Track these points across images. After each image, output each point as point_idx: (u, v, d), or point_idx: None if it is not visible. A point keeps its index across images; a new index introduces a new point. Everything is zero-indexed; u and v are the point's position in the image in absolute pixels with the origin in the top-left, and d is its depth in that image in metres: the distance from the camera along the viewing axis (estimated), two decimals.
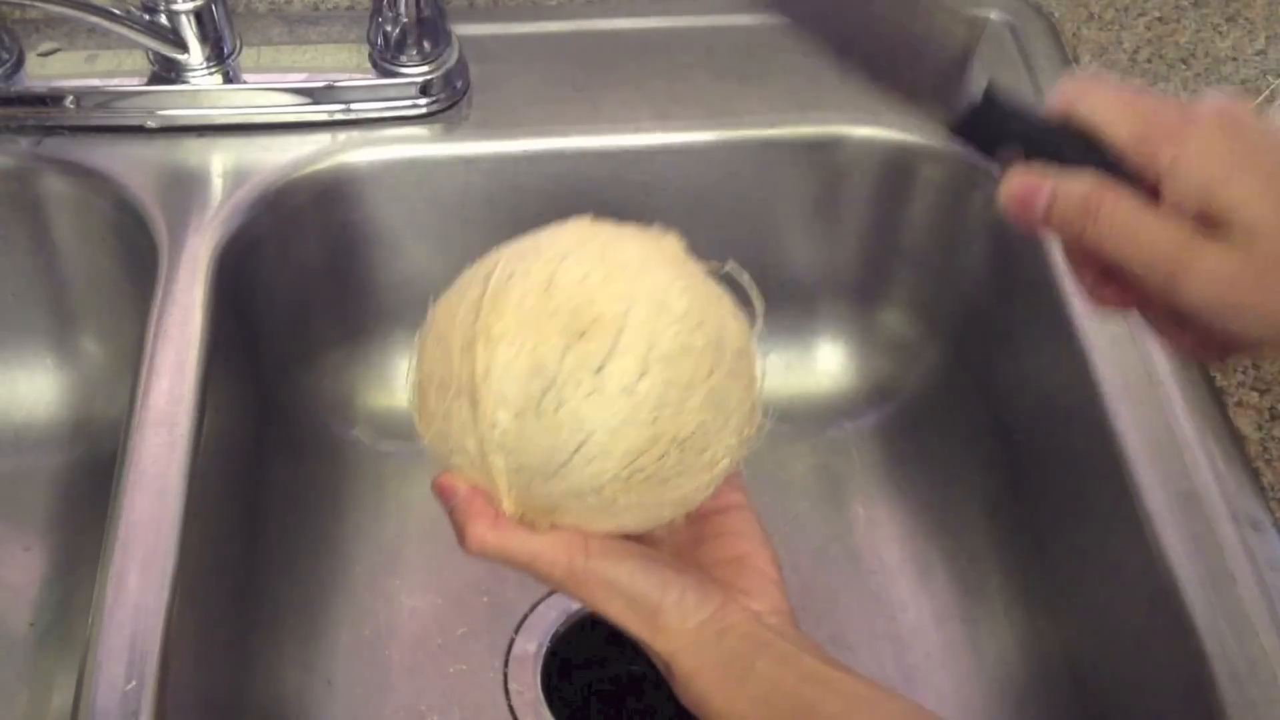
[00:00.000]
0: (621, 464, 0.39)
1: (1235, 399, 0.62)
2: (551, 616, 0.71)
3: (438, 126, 0.72)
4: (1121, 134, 0.38)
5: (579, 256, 0.40)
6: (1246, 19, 0.81)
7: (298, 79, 0.71)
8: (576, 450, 0.39)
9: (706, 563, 0.45)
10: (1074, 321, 0.65)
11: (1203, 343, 0.39)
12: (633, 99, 0.74)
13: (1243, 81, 0.77)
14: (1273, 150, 0.37)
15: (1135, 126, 0.37)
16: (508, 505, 0.41)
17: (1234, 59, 0.79)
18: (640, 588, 0.42)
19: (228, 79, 0.70)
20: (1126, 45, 0.79)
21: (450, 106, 0.72)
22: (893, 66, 0.40)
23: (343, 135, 0.71)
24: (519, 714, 0.68)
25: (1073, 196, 0.37)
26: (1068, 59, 0.78)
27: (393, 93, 0.71)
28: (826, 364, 0.83)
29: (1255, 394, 0.62)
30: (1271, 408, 0.62)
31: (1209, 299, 0.36)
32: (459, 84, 0.72)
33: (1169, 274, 0.36)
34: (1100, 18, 0.81)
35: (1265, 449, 0.60)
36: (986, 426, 0.77)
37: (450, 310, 0.41)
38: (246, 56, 0.71)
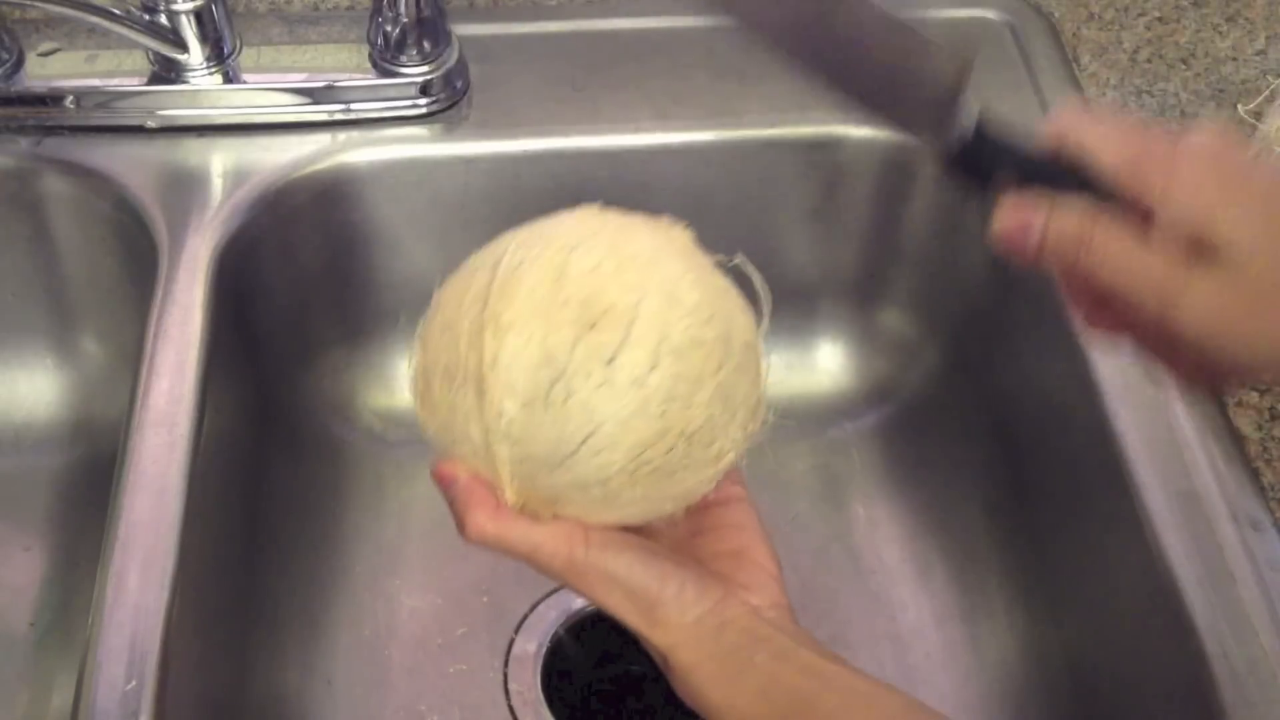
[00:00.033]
0: (629, 456, 0.39)
1: (1235, 399, 0.62)
2: (551, 616, 0.71)
3: (438, 126, 0.72)
4: (1113, 165, 0.38)
5: (590, 246, 0.40)
6: (1246, 19, 0.81)
7: (298, 79, 0.71)
8: (584, 442, 0.39)
9: (705, 555, 0.45)
10: (1074, 321, 0.65)
11: (1197, 369, 0.40)
12: (633, 99, 0.74)
13: (1243, 81, 0.77)
14: (1260, 180, 0.38)
15: (1126, 157, 0.38)
16: (510, 495, 0.41)
17: (1234, 59, 0.79)
18: (639, 580, 0.42)
19: (228, 79, 0.70)
20: (1126, 45, 0.79)
21: (450, 106, 0.72)
22: (887, 99, 0.41)
23: (343, 135, 0.71)
24: (519, 714, 0.68)
25: (1066, 228, 0.38)
26: (1068, 59, 0.78)
27: (393, 93, 0.71)
28: (826, 364, 0.83)
29: (1255, 394, 0.62)
30: (1271, 408, 0.62)
31: (1201, 326, 0.37)
32: (459, 84, 0.72)
33: (1162, 302, 0.37)
34: (1100, 18, 0.81)
35: (1265, 449, 0.60)
36: (986, 427, 0.77)
37: (457, 296, 0.41)
38: (246, 56, 0.71)
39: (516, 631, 0.71)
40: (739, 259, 0.44)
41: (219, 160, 0.69)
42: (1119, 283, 0.38)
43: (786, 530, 0.76)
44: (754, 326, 0.43)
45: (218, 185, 0.68)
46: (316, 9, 0.76)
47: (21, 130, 0.69)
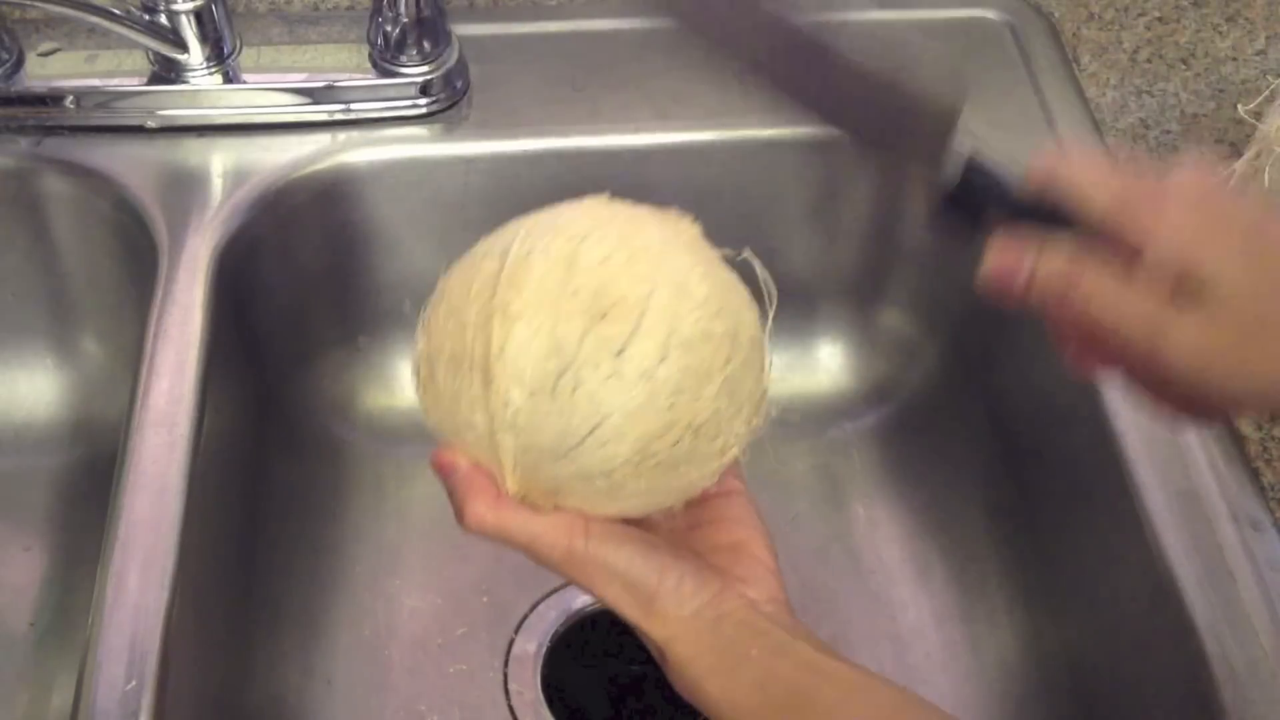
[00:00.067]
0: (634, 449, 0.39)
1: None
2: (551, 616, 0.71)
3: (437, 126, 0.72)
4: (1100, 205, 0.39)
5: (600, 237, 0.40)
6: (1246, 19, 0.81)
7: (298, 79, 0.71)
8: (590, 433, 0.39)
9: (703, 548, 0.45)
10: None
11: (1186, 404, 0.40)
12: (633, 99, 0.74)
13: (1243, 81, 0.77)
14: (1242, 217, 0.39)
15: (1113, 197, 0.39)
16: (511, 485, 0.41)
17: (1234, 59, 0.79)
18: (639, 573, 0.42)
19: (228, 79, 0.70)
20: (1126, 45, 0.79)
21: (450, 106, 0.72)
22: (878, 143, 0.42)
23: (343, 135, 0.71)
24: (519, 714, 0.68)
25: (1053, 270, 0.39)
26: (1068, 59, 0.78)
27: (393, 93, 0.71)
28: (826, 364, 0.83)
29: None
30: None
31: (1188, 363, 0.37)
32: (459, 84, 0.72)
33: (1149, 340, 0.38)
34: (1100, 18, 0.81)
35: (1265, 449, 0.60)
36: (986, 426, 0.77)
37: (464, 284, 0.41)
38: (246, 56, 0.71)
39: (516, 631, 0.71)
40: (746, 253, 0.44)
41: (219, 160, 0.69)
42: (1107, 320, 0.38)
43: (786, 530, 0.76)
44: (759, 322, 0.43)
45: (218, 185, 0.68)
46: (316, 9, 0.76)
47: (21, 130, 0.69)
